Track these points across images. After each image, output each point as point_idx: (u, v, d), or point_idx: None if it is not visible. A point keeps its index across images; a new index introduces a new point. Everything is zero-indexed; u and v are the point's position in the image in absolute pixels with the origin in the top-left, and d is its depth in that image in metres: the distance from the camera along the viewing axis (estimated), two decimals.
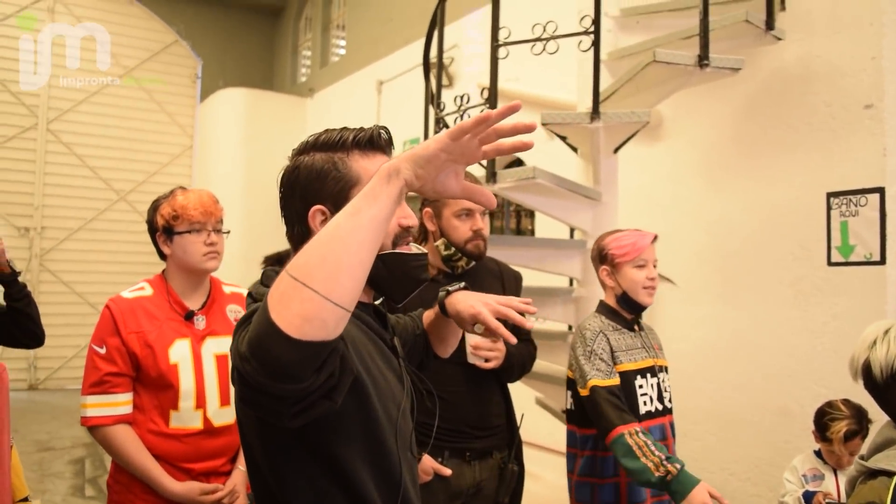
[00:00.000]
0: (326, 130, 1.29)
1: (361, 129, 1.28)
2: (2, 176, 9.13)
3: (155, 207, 2.22)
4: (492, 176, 3.01)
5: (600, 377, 2.22)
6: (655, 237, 2.42)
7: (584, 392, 2.24)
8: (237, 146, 9.90)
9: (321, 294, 0.89)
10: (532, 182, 2.92)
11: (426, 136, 3.63)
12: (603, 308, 2.45)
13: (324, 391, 0.98)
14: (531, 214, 5.91)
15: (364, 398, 1.17)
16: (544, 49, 2.93)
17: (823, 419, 2.74)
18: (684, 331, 4.18)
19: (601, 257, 2.44)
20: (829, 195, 3.45)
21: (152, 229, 2.21)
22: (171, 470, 2.09)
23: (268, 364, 0.91)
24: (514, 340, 1.38)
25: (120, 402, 2.08)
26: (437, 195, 1.04)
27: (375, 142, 1.27)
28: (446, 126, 3.50)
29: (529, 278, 4.69)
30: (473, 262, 2.35)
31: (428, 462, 2.21)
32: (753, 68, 3.81)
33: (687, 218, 4.28)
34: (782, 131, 3.70)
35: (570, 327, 4.01)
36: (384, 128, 1.29)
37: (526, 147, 1.00)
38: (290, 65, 11.34)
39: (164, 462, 2.08)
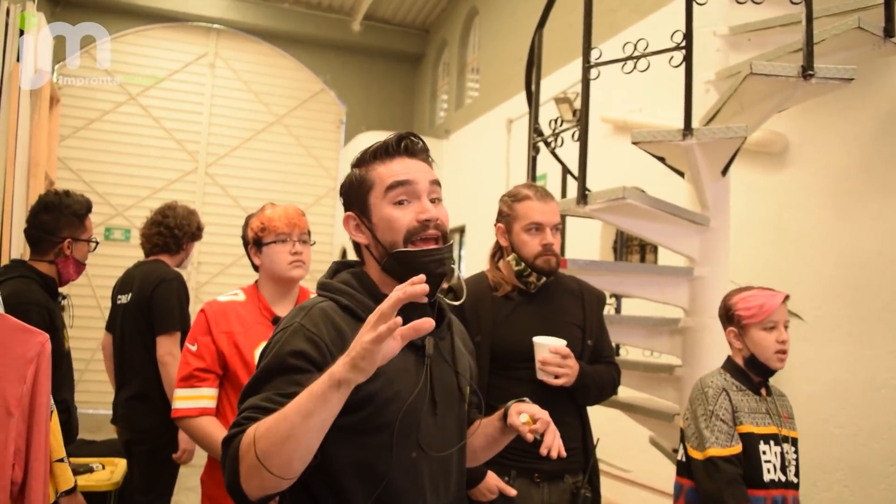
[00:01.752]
0: (366, 148, 1.44)
1: (384, 140, 1.41)
2: None
3: (246, 223, 2.39)
4: (582, 197, 2.95)
5: (719, 446, 2.11)
6: (787, 297, 2.26)
7: (698, 456, 2.14)
8: None
9: (276, 475, 1.11)
10: (623, 203, 2.83)
11: (528, 161, 3.62)
12: (729, 365, 2.32)
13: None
14: (655, 249, 5.70)
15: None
16: (635, 67, 2.86)
17: None
18: (814, 372, 3.85)
19: (728, 317, 2.31)
20: None
21: (245, 243, 2.36)
22: None
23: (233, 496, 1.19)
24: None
25: (205, 396, 2.21)
26: (385, 361, 1.10)
27: (391, 149, 1.40)
28: (547, 144, 3.48)
29: (638, 308, 4.51)
30: (544, 278, 2.30)
31: (493, 480, 2.16)
32: (885, 84, 3.52)
33: (816, 248, 3.97)
34: None
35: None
36: (408, 135, 1.41)
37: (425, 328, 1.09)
38: (429, 108, 11.71)
39: None
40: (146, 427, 3.35)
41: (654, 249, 5.77)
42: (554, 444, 1.40)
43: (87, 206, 2.69)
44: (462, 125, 9.87)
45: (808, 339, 3.92)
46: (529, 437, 1.40)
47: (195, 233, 3.65)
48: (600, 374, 2.32)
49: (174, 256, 3.60)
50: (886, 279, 3.54)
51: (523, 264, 2.28)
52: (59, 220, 2.61)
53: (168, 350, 3.26)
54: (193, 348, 2.23)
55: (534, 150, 3.48)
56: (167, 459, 3.39)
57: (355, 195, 1.41)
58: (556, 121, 3.27)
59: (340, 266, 1.49)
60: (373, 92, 11.73)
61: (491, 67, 9.32)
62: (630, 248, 6.16)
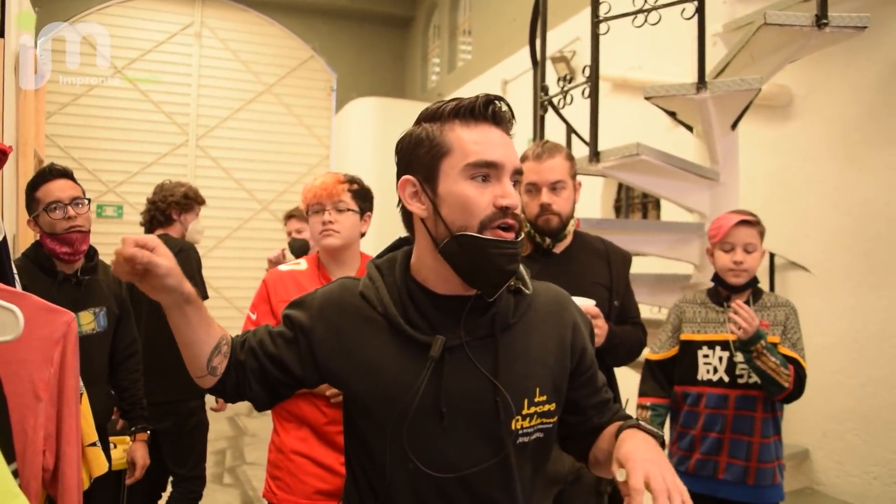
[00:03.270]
0: (439, 101, 1.23)
1: (468, 98, 1.19)
2: None
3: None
4: (595, 155, 2.91)
5: (654, 351, 2.54)
6: (746, 221, 2.38)
7: None
8: (370, 153, 10.19)
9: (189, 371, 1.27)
10: (636, 159, 2.79)
11: (534, 120, 3.57)
12: (712, 282, 2.54)
13: (230, 396, 1.29)
14: (657, 206, 5.67)
15: (342, 384, 1.26)
16: (646, 20, 2.79)
17: None
18: (824, 323, 3.85)
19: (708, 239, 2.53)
20: None
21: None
22: (318, 432, 2.18)
23: None
24: None
25: None
26: (169, 287, 1.19)
27: (478, 111, 1.17)
28: (553, 107, 3.42)
29: (646, 265, 4.49)
30: (548, 240, 2.26)
31: None
32: (892, 32, 3.47)
33: (824, 201, 3.95)
34: None
35: None
36: (496, 98, 1.19)
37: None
38: (420, 72, 11.55)
39: (308, 425, 2.19)
40: (164, 400, 3.32)
41: (656, 206, 5.74)
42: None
43: (36, 177, 2.48)
44: (455, 88, 9.74)
45: (818, 290, 3.92)
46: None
47: (180, 201, 3.55)
48: (628, 335, 2.31)
49: (169, 228, 3.55)
50: (895, 228, 3.53)
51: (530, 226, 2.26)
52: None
53: None
54: (254, 317, 2.27)
55: (542, 110, 3.42)
56: (194, 428, 3.43)
57: (421, 156, 1.18)
58: (564, 78, 3.21)
59: (398, 243, 1.35)
60: (363, 57, 11.55)
61: (483, 28, 9.18)
62: (632, 207, 6.13)
